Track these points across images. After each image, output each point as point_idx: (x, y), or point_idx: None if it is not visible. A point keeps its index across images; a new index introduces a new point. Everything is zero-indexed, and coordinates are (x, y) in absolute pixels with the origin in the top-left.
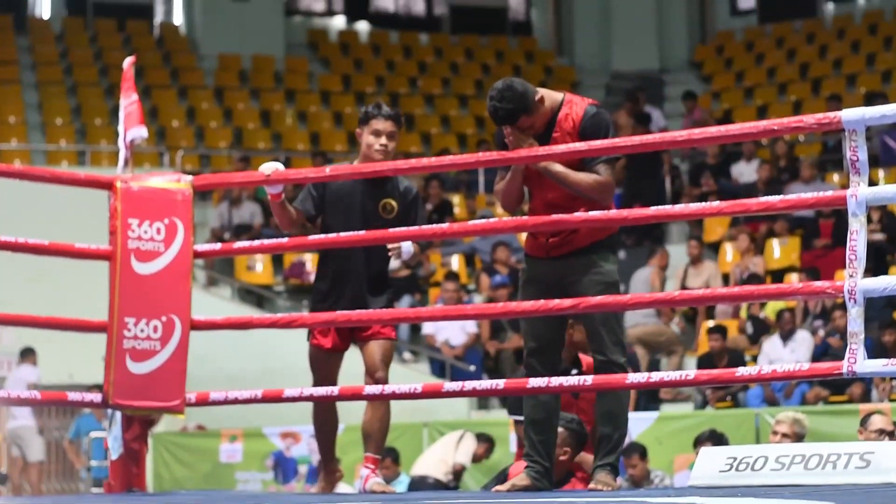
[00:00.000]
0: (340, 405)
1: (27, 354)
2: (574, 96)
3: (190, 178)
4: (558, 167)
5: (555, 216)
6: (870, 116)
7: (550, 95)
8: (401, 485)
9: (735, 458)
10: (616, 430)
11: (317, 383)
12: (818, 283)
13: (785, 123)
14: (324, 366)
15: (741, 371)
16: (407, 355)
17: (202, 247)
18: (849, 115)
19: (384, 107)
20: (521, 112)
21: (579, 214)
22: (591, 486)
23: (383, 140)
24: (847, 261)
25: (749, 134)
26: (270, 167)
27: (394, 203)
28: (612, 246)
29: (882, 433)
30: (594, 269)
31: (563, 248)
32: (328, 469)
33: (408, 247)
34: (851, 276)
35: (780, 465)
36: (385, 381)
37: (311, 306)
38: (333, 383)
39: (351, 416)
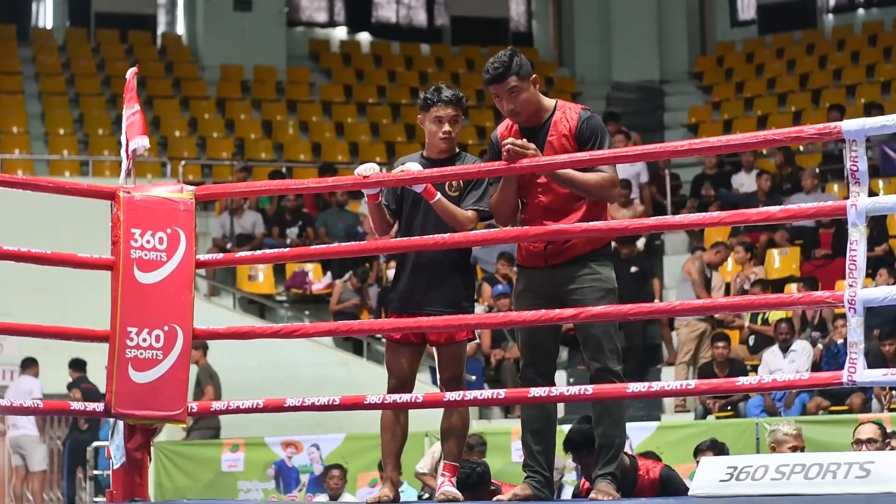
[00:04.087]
0: (345, 413)
1: (29, 365)
2: (565, 102)
3: (192, 188)
4: (566, 171)
5: (554, 226)
6: (870, 127)
7: (543, 99)
8: (403, 493)
9: (735, 468)
10: (615, 439)
11: (388, 379)
12: (818, 294)
13: (785, 133)
14: (392, 359)
15: (741, 381)
16: None
17: (204, 256)
18: (849, 125)
19: (444, 91)
20: (509, 72)
21: (579, 224)
22: (593, 495)
23: (446, 127)
24: (847, 271)
25: (749, 144)
26: (369, 168)
27: (460, 181)
28: (608, 253)
29: (871, 442)
30: (593, 276)
31: (562, 255)
32: (388, 476)
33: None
34: (851, 285)
35: (780, 474)
36: (450, 389)
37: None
38: (405, 380)
39: (354, 424)
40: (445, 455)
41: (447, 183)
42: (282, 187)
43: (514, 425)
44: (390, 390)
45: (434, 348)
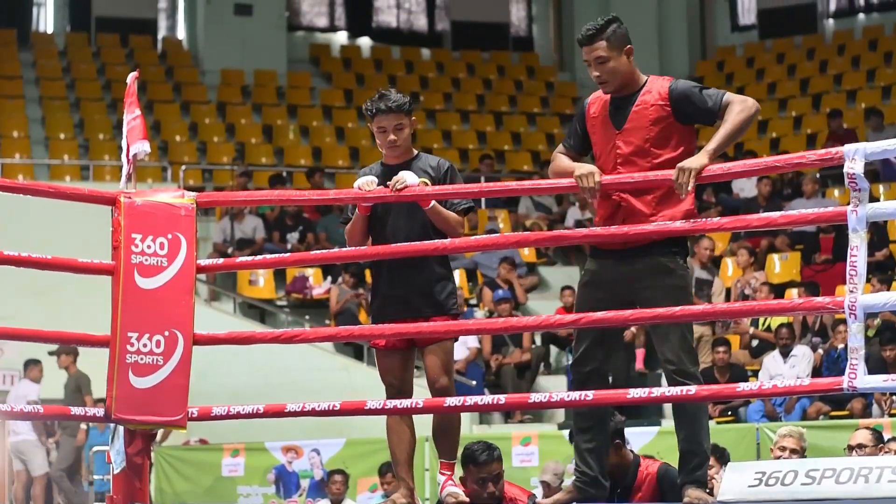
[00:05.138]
0: (345, 418)
1: (30, 367)
2: (655, 76)
3: (194, 194)
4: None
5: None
6: (871, 151)
7: (637, 72)
8: None
9: (764, 473)
10: (700, 445)
11: (386, 386)
12: (819, 299)
13: (787, 160)
14: (382, 366)
15: (742, 386)
16: None
17: (205, 261)
18: (849, 149)
19: (384, 99)
20: (599, 36)
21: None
22: (686, 500)
23: (391, 137)
24: (847, 276)
25: (752, 171)
26: (370, 183)
27: (427, 181)
28: (686, 245)
29: (860, 448)
30: (669, 272)
31: (641, 240)
32: (401, 482)
33: (412, 178)
34: (852, 291)
35: (810, 479)
36: (446, 392)
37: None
38: (399, 385)
39: (354, 429)
40: (440, 453)
41: (420, 181)
42: (283, 198)
43: (515, 430)
44: (389, 396)
45: (422, 350)
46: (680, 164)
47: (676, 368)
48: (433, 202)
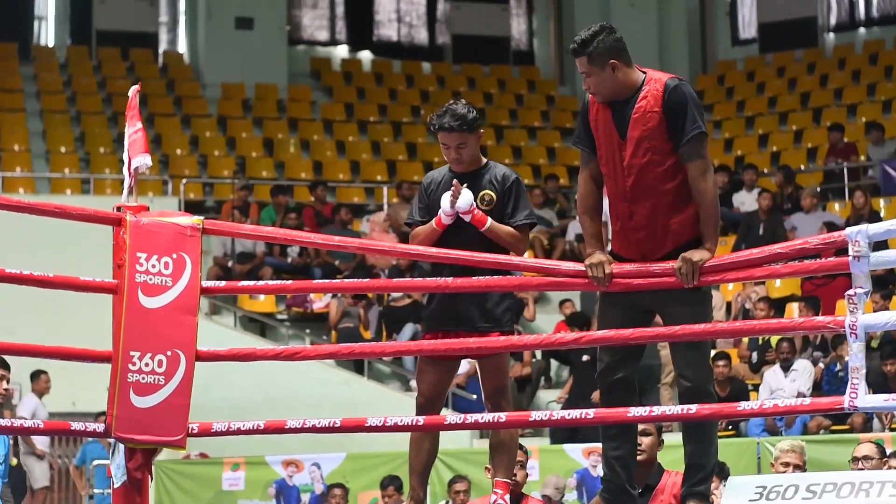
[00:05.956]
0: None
1: (34, 379)
2: (654, 73)
3: (201, 217)
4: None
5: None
6: (874, 232)
7: (630, 74)
8: None
9: (765, 487)
10: (707, 458)
11: (419, 394)
12: (819, 318)
13: (790, 246)
14: (420, 375)
15: (743, 405)
16: (413, 384)
17: (209, 283)
18: (852, 230)
19: (446, 117)
20: (581, 51)
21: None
22: None
23: (452, 154)
24: (847, 296)
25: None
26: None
27: (492, 193)
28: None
29: (867, 460)
30: (691, 290)
31: (661, 248)
32: (412, 492)
33: (464, 200)
34: (853, 311)
35: (811, 493)
36: (498, 407)
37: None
38: (432, 398)
39: (354, 443)
40: (496, 471)
41: (479, 198)
42: (288, 237)
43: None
44: (417, 408)
45: (476, 362)
46: (683, 255)
47: (692, 385)
48: (489, 223)
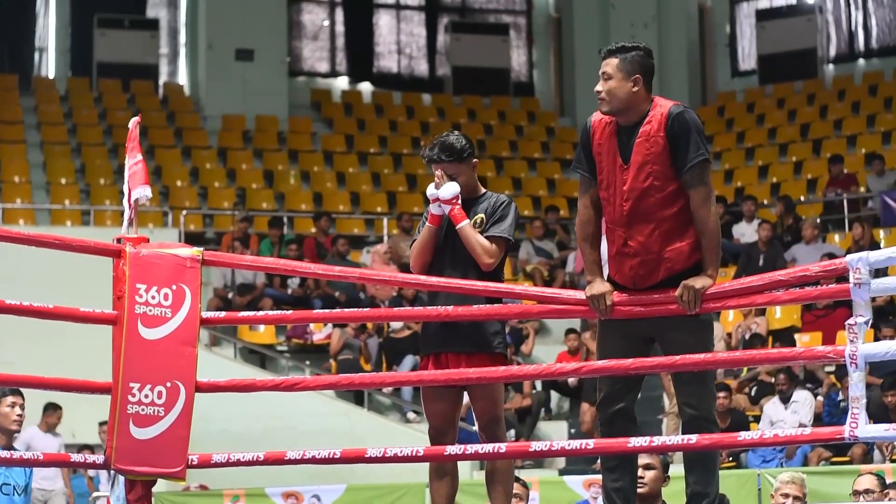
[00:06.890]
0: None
1: (47, 410)
2: (660, 100)
3: (201, 249)
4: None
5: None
6: (874, 260)
7: (642, 100)
8: None
9: None
10: (709, 487)
11: (430, 426)
12: (819, 349)
13: (791, 273)
14: (427, 406)
15: (744, 435)
16: (411, 415)
17: (208, 314)
18: (853, 258)
19: (436, 149)
20: (614, 55)
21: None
22: None
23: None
24: (847, 326)
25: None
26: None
27: (483, 216)
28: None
29: (868, 493)
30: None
31: (652, 276)
32: None
33: (447, 190)
34: (853, 340)
35: None
36: (493, 437)
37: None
38: (443, 427)
39: (354, 475)
40: (493, 501)
41: (473, 220)
42: (287, 268)
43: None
44: (431, 438)
45: (466, 390)
46: (685, 282)
47: (697, 414)
48: (462, 224)
